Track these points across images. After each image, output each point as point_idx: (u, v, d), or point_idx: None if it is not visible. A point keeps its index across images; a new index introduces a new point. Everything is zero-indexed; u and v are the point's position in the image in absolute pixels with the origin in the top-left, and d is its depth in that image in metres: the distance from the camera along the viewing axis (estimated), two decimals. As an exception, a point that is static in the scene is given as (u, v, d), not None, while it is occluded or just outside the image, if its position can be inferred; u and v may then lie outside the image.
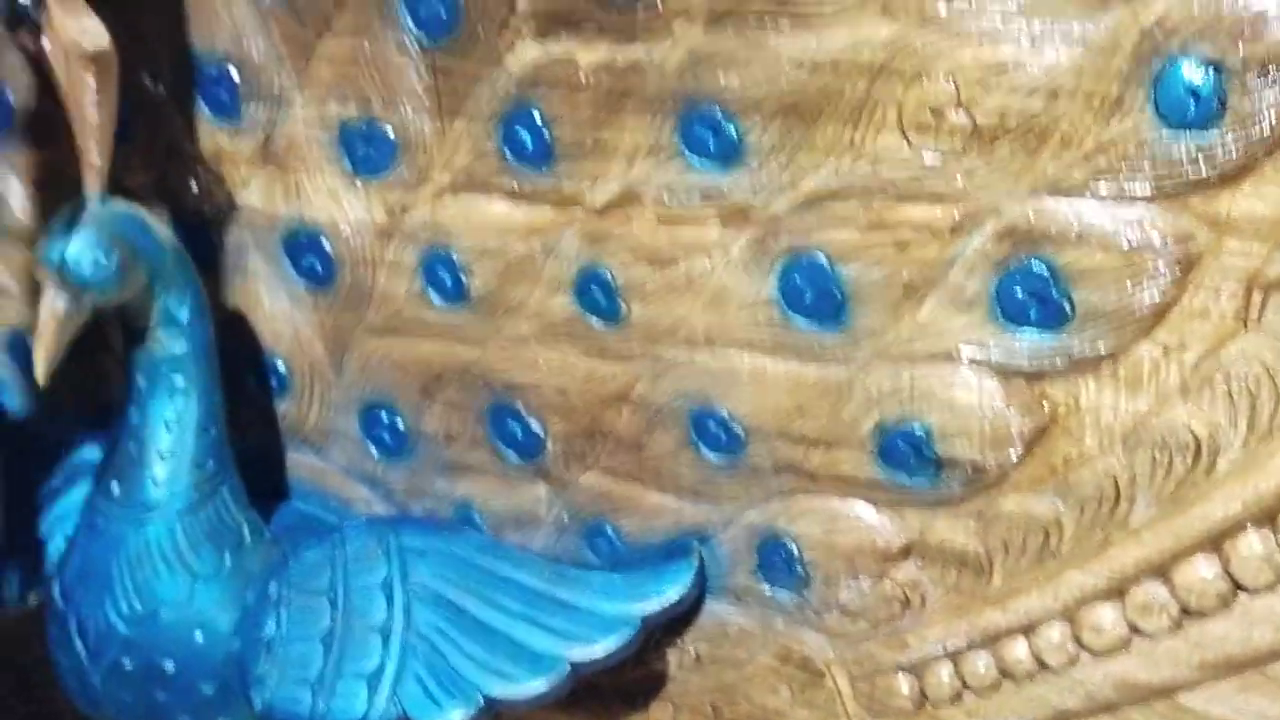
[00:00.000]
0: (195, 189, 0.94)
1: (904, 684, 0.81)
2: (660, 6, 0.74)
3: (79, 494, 0.97)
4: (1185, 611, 0.72)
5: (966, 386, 0.74)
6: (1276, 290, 0.66)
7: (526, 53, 0.79)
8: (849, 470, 0.78)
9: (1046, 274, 0.70)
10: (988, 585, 0.77)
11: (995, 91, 0.68)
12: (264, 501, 0.95)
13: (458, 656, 0.86)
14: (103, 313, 0.86)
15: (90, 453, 1.00)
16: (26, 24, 0.86)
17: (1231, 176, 0.65)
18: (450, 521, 0.94)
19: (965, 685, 0.79)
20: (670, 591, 0.85)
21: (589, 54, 0.77)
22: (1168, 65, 0.64)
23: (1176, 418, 0.69)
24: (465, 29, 0.80)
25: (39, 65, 0.86)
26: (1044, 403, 0.72)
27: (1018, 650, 0.77)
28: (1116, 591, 0.73)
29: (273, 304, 0.95)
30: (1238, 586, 0.70)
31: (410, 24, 0.82)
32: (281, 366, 0.97)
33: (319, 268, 0.92)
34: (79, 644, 0.90)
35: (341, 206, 0.90)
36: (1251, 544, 0.69)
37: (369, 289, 0.91)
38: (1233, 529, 0.69)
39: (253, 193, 0.93)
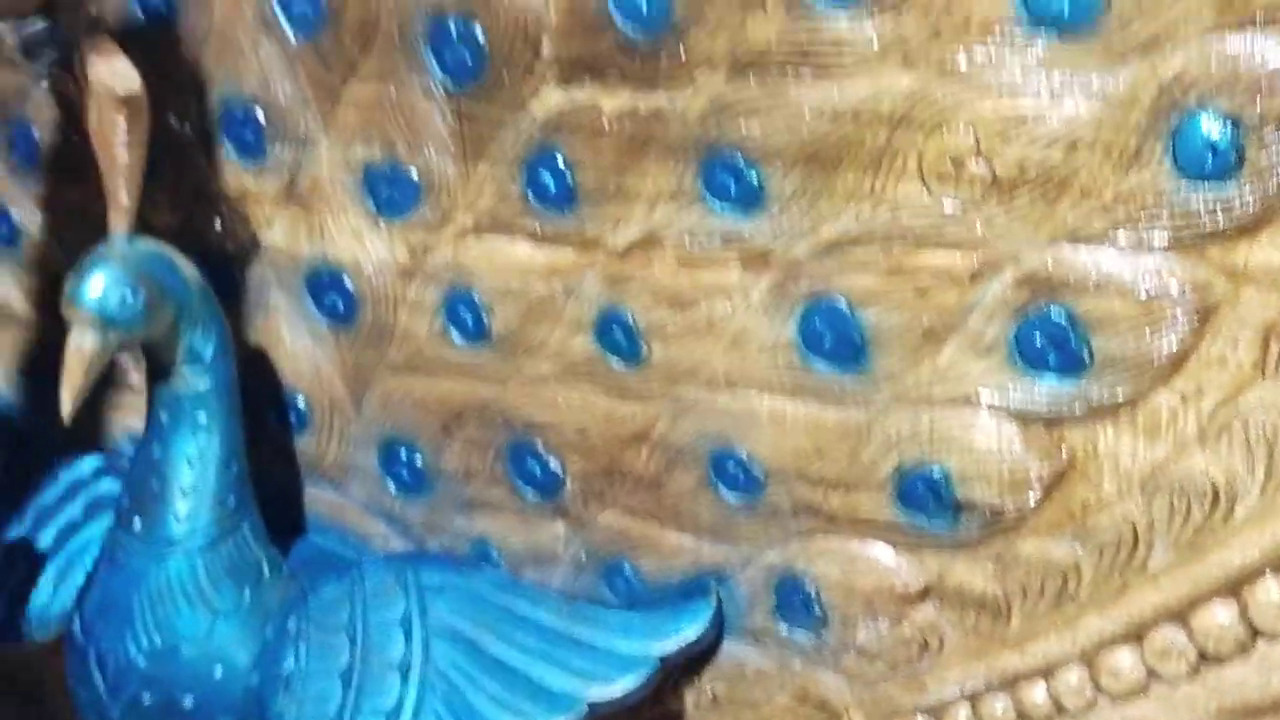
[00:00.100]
0: (219, 228, 0.96)
1: (922, 726, 0.81)
2: (683, 55, 0.76)
3: (97, 528, 0.98)
4: (1203, 657, 0.72)
5: (985, 431, 0.74)
6: (1293, 339, 0.67)
7: (550, 98, 0.80)
8: (868, 512, 0.79)
9: (1065, 321, 0.71)
10: (1006, 628, 0.77)
11: (1015, 142, 0.69)
12: (282, 536, 0.96)
13: (476, 694, 0.86)
14: (127, 349, 0.87)
15: (108, 485, 1.01)
16: (45, 55, 0.88)
17: (1249, 228, 0.66)
18: (469, 558, 0.94)
19: (983, 728, 0.80)
20: (688, 631, 0.85)
21: (612, 100, 0.79)
22: (1186, 119, 0.65)
23: (1194, 465, 0.70)
24: (490, 75, 0.82)
25: (65, 102, 0.87)
26: (1062, 448, 0.73)
27: (1036, 694, 0.77)
28: (1135, 636, 0.74)
29: (294, 341, 0.96)
30: (1256, 633, 0.70)
31: (436, 69, 0.83)
32: (301, 403, 0.98)
33: (341, 306, 0.93)
34: (98, 678, 0.91)
35: (364, 246, 0.91)
36: (1270, 590, 0.70)
37: (390, 327, 0.92)
38: (1251, 575, 0.70)
39: (276, 232, 0.94)
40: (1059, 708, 0.77)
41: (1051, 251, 0.70)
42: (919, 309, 0.74)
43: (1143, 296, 0.69)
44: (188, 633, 0.89)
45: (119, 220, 0.84)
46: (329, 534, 0.99)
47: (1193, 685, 0.73)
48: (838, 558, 0.81)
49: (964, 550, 0.77)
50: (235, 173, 0.94)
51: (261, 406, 0.97)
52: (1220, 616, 0.71)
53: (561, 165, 0.81)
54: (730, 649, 0.86)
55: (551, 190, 0.82)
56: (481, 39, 0.81)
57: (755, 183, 0.76)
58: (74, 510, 1.01)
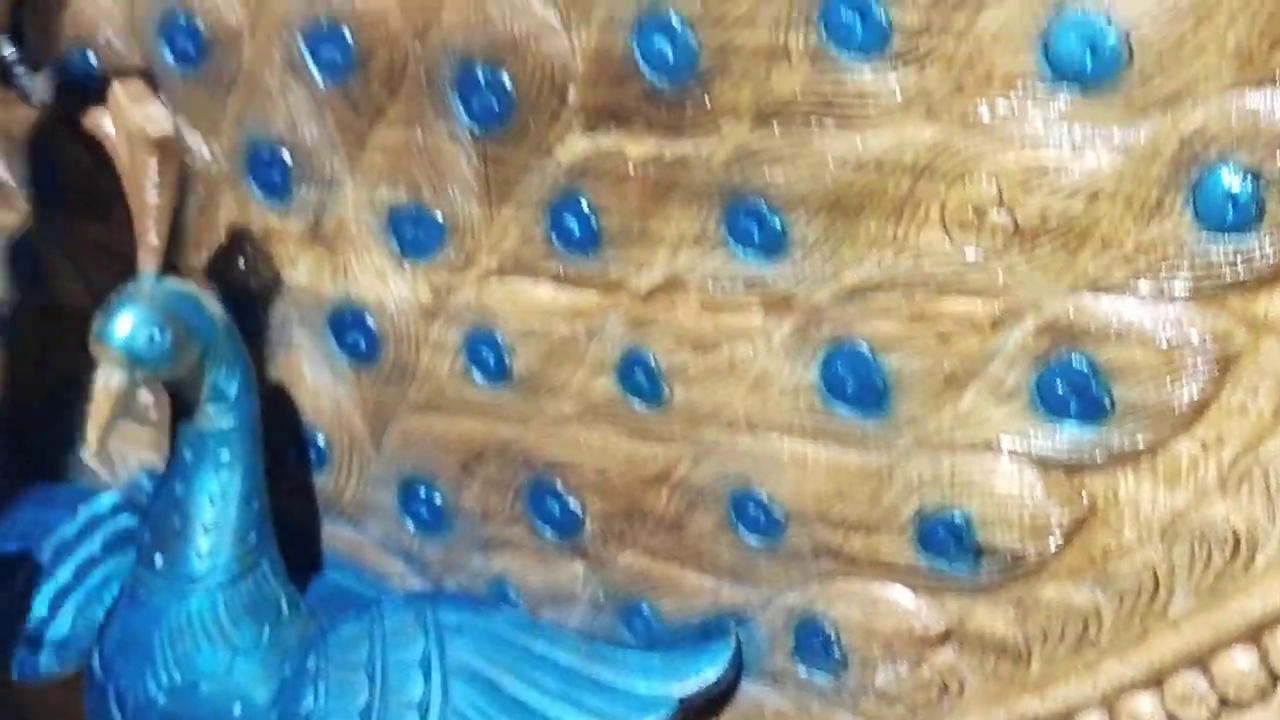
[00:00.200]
0: (244, 266, 0.96)
1: (941, 769, 0.82)
2: (708, 104, 0.77)
3: (115, 563, 0.98)
4: (1224, 702, 0.72)
5: (1006, 476, 0.75)
6: (1314, 389, 0.68)
7: (576, 145, 0.82)
8: (888, 555, 0.80)
9: (1086, 369, 0.72)
10: (1026, 673, 0.78)
11: (1037, 193, 0.70)
12: (299, 573, 0.96)
13: (495, 734, 0.86)
14: (152, 386, 0.87)
15: (126, 520, 1.01)
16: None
17: (1269, 279, 0.67)
18: (487, 597, 0.94)
19: (1003, 771, 0.80)
20: (707, 672, 0.85)
21: (637, 147, 0.80)
22: (1207, 172, 0.67)
23: (1215, 512, 0.71)
24: (517, 121, 0.83)
25: (90, 143, 0.88)
26: (1083, 494, 0.74)
27: (1056, 738, 0.78)
28: (1155, 681, 0.74)
29: (315, 379, 0.97)
30: (1277, 679, 0.71)
31: (463, 115, 0.85)
32: (321, 440, 0.98)
33: (363, 344, 0.94)
34: (117, 715, 0.91)
35: (388, 286, 0.92)
36: (1290, 638, 0.70)
37: (412, 366, 0.93)
38: (1271, 622, 0.70)
39: (300, 271, 0.95)
40: (1079, 752, 0.77)
41: (1073, 300, 0.71)
42: (941, 355, 0.75)
43: (1164, 345, 0.70)
44: (207, 670, 0.89)
45: (148, 260, 0.85)
46: (346, 571, 1.00)
47: (1214, 731, 0.73)
48: (858, 600, 0.81)
49: (985, 594, 0.77)
50: (260, 212, 0.95)
51: (281, 443, 0.97)
52: (1241, 663, 0.71)
53: (586, 209, 0.82)
54: (749, 690, 0.87)
55: (576, 233, 0.83)
56: (509, 86, 0.82)
57: (778, 229, 0.77)
58: (93, 546, 1.01)
